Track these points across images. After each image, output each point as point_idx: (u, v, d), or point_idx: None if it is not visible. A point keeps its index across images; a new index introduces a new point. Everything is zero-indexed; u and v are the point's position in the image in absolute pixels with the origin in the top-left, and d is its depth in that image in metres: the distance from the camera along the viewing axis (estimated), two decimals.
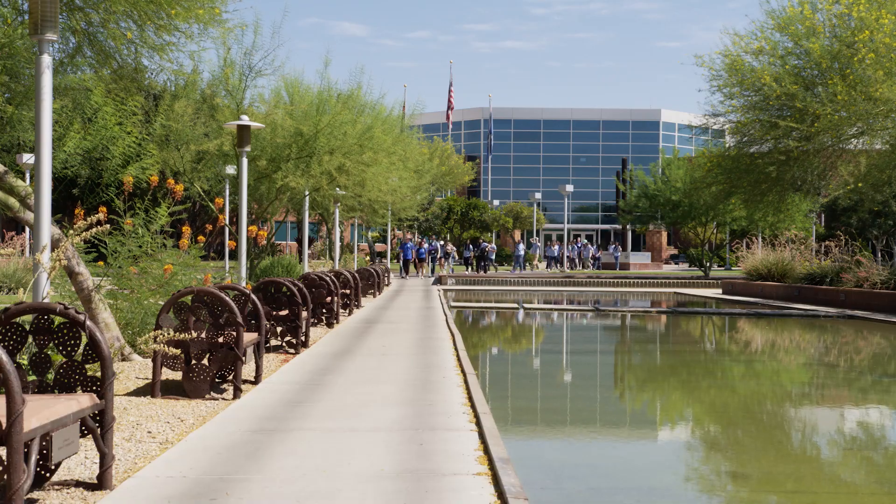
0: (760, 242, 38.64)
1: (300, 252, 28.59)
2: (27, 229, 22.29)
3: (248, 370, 9.26)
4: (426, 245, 45.82)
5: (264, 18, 45.18)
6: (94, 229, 6.17)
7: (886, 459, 7.74)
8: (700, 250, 48.40)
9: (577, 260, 54.32)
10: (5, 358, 3.89)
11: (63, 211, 15.52)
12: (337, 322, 15.66)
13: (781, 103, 22.75)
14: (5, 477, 3.95)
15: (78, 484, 4.92)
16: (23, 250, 23.35)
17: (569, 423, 9.38)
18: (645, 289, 36.96)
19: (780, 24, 23.19)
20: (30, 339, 4.99)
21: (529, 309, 25.56)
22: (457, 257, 51.59)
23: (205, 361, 7.82)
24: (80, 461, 5.42)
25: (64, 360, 4.99)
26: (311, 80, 28.20)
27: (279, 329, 11.49)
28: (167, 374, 8.56)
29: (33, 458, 4.16)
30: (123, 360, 9.77)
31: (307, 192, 20.60)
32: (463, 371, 9.61)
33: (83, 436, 4.75)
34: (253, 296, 9.12)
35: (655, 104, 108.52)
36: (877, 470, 7.29)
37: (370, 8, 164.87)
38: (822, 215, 51.94)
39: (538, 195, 59.24)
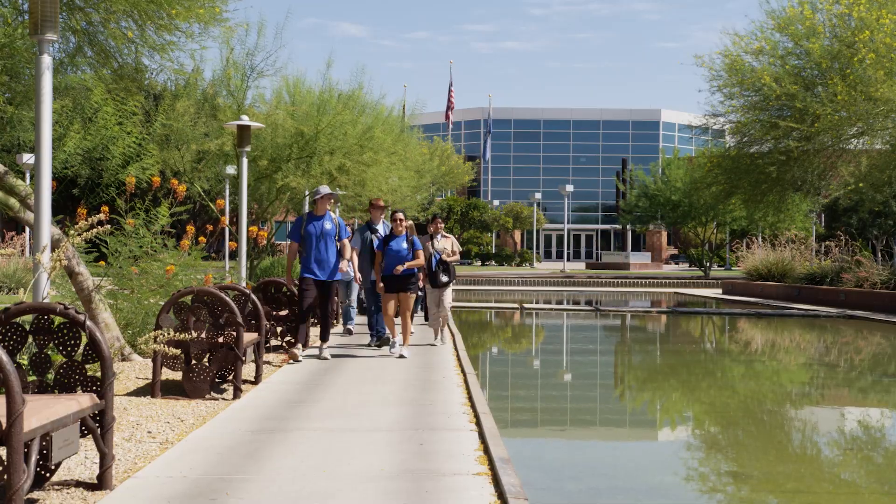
0: (760, 242, 38.65)
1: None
2: (27, 229, 22.30)
3: (248, 370, 9.26)
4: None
5: (265, 19, 45.23)
6: (96, 230, 6.16)
7: (886, 459, 7.74)
8: (700, 250, 48.40)
9: None
10: (5, 358, 3.89)
11: (63, 211, 15.52)
12: (337, 322, 15.66)
13: (781, 103, 22.74)
14: (5, 477, 3.95)
15: (78, 484, 4.92)
16: (23, 250, 23.34)
17: (569, 423, 9.37)
18: (645, 289, 36.96)
19: (780, 24, 23.18)
20: (30, 339, 4.99)
21: (529, 309, 25.56)
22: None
23: (205, 361, 7.82)
24: (80, 461, 5.42)
25: (64, 360, 4.98)
26: (313, 81, 28.18)
27: (279, 329, 11.49)
28: (167, 374, 8.56)
29: (33, 458, 4.16)
30: (123, 360, 9.76)
31: (307, 193, 20.61)
32: (463, 371, 9.61)
33: (83, 436, 4.75)
34: (253, 296, 9.12)
35: (655, 104, 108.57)
36: (877, 470, 7.29)
37: (370, 8, 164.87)
38: (823, 215, 51.94)
39: (538, 195, 59.23)
